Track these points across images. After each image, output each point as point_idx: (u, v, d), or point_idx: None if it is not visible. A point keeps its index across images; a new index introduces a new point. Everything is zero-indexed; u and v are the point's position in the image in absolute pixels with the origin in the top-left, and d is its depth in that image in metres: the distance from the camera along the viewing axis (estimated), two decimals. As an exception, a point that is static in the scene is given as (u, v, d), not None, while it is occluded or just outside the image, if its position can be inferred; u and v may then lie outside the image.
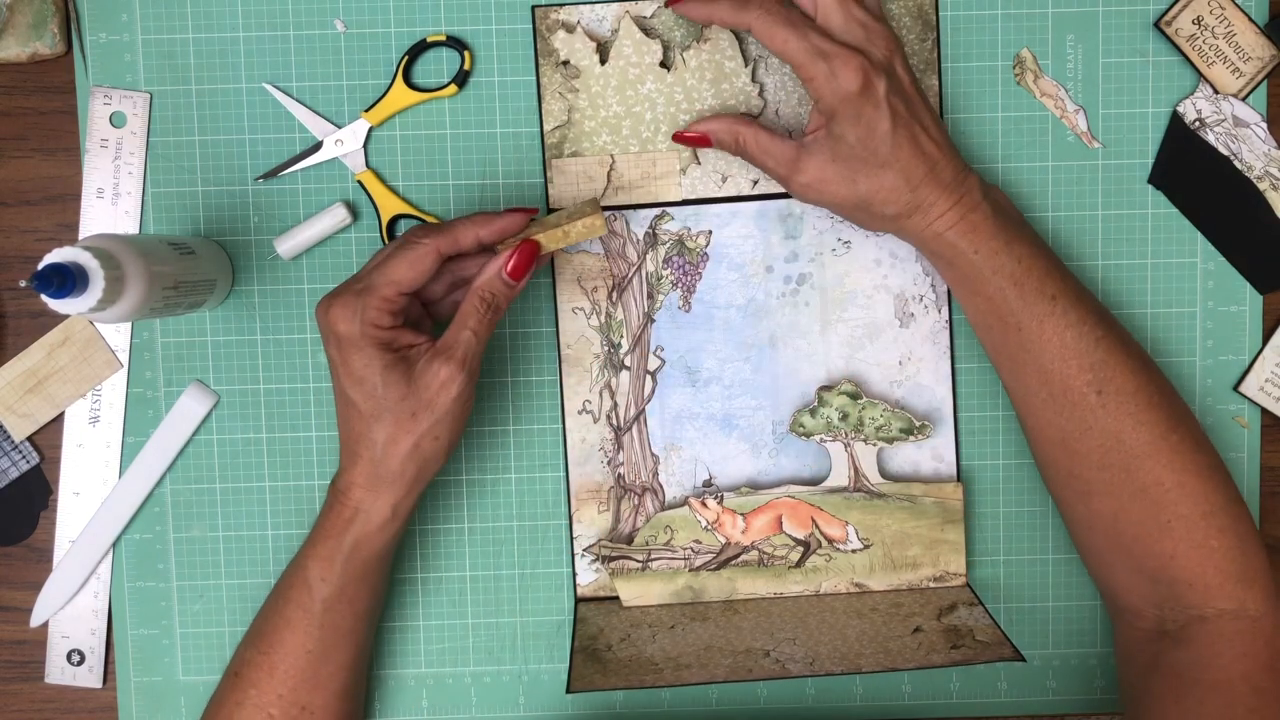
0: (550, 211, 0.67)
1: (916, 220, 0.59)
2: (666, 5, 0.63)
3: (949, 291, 0.67)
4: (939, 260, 0.61)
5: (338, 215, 0.66)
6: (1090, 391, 0.59)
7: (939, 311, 0.67)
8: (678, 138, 0.64)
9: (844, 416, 0.67)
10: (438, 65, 0.67)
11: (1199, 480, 0.59)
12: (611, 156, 0.67)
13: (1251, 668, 0.57)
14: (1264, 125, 0.66)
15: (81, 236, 0.66)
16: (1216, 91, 0.66)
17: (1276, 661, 0.57)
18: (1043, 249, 0.60)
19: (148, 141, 0.66)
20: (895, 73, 0.58)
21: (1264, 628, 0.58)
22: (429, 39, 0.66)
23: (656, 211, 0.67)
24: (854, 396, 0.67)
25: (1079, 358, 0.59)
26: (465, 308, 0.58)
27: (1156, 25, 0.66)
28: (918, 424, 0.67)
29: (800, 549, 0.67)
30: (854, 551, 0.67)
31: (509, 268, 0.59)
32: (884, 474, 0.68)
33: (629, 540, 0.68)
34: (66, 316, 0.67)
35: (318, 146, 0.66)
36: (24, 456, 0.68)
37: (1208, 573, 0.58)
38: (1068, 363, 0.59)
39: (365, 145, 0.66)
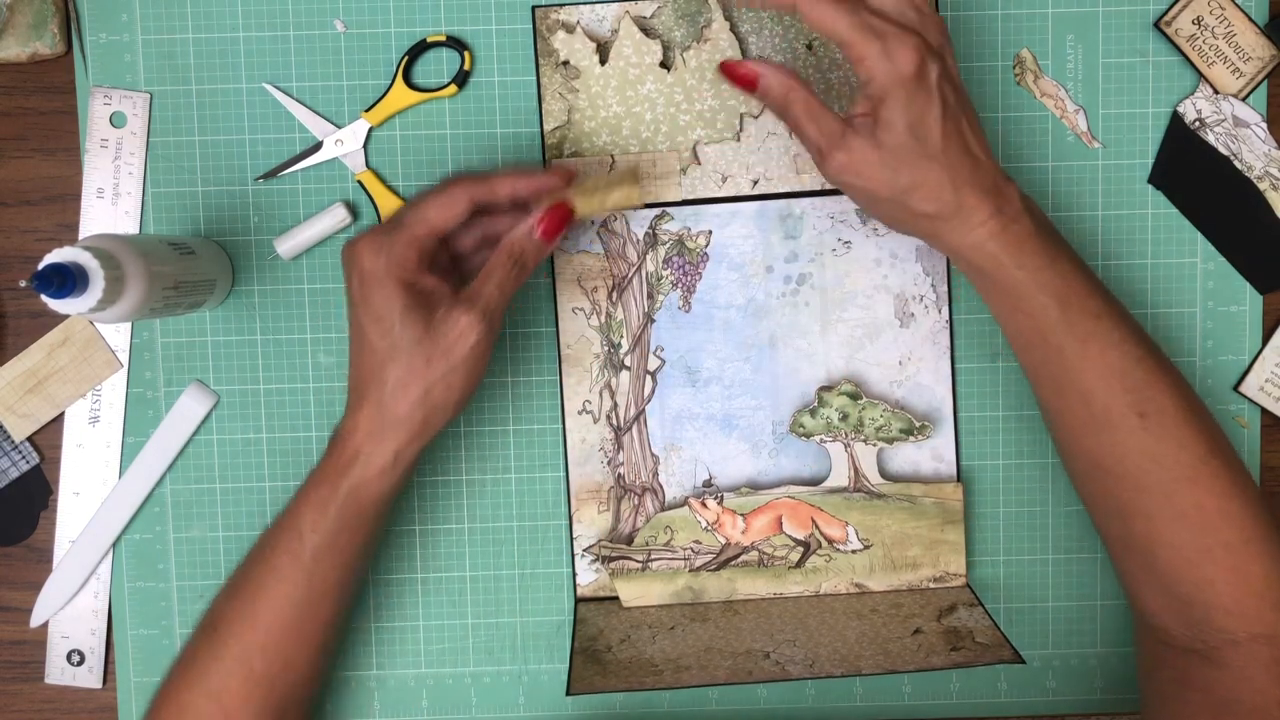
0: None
1: (955, 225, 0.56)
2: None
3: (949, 292, 0.67)
4: (977, 274, 0.58)
5: (338, 215, 0.66)
6: (1132, 413, 0.56)
7: (939, 311, 0.67)
8: (724, 66, 0.59)
9: (844, 417, 0.67)
10: (438, 65, 0.67)
11: (1240, 505, 0.57)
12: (612, 156, 0.67)
13: None
14: (1264, 125, 0.66)
15: (81, 236, 0.66)
16: (1216, 91, 0.66)
17: None
18: (1084, 265, 0.58)
19: (148, 141, 0.66)
20: (947, 61, 0.55)
21: None
22: (429, 39, 0.66)
23: (656, 211, 0.67)
24: (854, 397, 0.67)
25: (1122, 378, 0.56)
26: (493, 261, 0.58)
27: (1156, 25, 0.66)
28: (918, 424, 0.67)
29: (800, 549, 0.67)
30: (854, 552, 0.67)
31: (541, 228, 0.58)
32: (884, 474, 0.68)
33: (629, 540, 0.68)
34: (66, 316, 0.67)
35: (318, 146, 0.66)
36: (24, 456, 0.68)
37: (1246, 599, 0.56)
38: (1110, 383, 0.56)
39: (365, 145, 0.66)
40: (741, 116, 0.66)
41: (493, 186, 0.58)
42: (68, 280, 0.52)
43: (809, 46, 0.66)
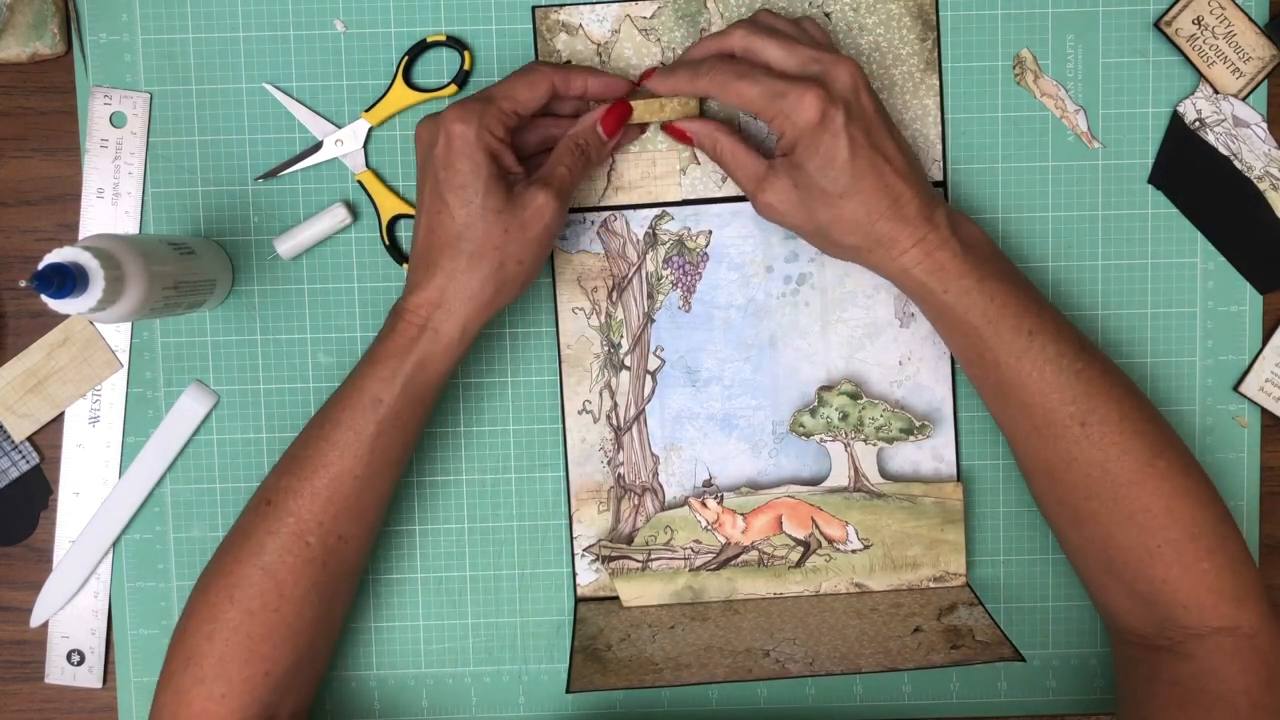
0: None
1: (880, 255, 0.59)
2: (638, 84, 0.65)
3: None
4: (912, 296, 0.61)
5: (338, 215, 0.66)
6: (1074, 424, 0.58)
7: (939, 311, 0.67)
8: (666, 128, 0.65)
9: (844, 416, 0.67)
10: (438, 65, 0.67)
11: (1186, 504, 0.58)
12: (612, 156, 0.67)
13: (1250, 683, 0.57)
14: (1264, 125, 0.66)
15: (81, 236, 0.66)
16: (1216, 91, 0.66)
17: (1274, 678, 0.57)
18: (1017, 284, 0.60)
19: (148, 141, 0.66)
20: (857, 102, 0.57)
21: (1260, 644, 0.58)
22: (429, 39, 0.66)
23: (656, 211, 0.67)
24: (854, 396, 0.67)
25: (1059, 391, 0.58)
26: (560, 149, 0.61)
27: (1156, 25, 0.66)
28: (918, 424, 0.67)
29: (800, 549, 0.67)
30: (854, 551, 0.67)
31: (603, 120, 0.62)
32: (884, 474, 0.68)
33: (629, 540, 0.68)
34: (66, 316, 0.67)
35: (318, 146, 0.66)
36: (24, 456, 0.68)
37: (1200, 594, 0.58)
38: (1049, 397, 0.59)
39: (365, 145, 0.66)
40: (740, 117, 0.66)
41: (569, 76, 0.61)
42: (68, 280, 0.52)
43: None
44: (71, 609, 0.68)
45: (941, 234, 0.58)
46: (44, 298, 0.53)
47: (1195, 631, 0.58)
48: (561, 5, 0.66)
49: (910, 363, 0.68)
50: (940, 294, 0.59)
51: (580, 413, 0.68)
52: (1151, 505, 0.58)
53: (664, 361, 0.68)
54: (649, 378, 0.68)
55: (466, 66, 0.66)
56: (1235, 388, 0.68)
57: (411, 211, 0.66)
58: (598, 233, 0.67)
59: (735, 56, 0.60)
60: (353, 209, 0.67)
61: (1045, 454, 0.60)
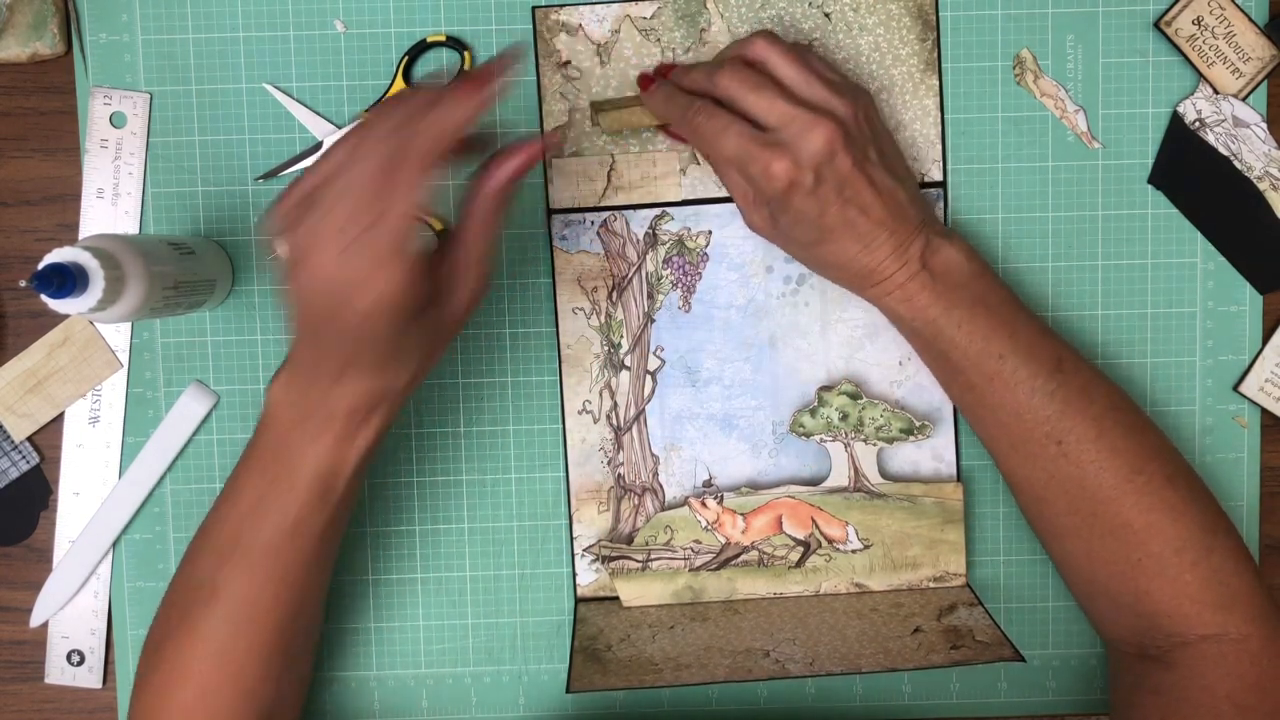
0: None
1: (855, 286, 0.62)
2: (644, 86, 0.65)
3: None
4: (891, 322, 0.63)
5: (338, 215, 0.66)
6: (1049, 443, 0.59)
7: (939, 311, 0.67)
8: (667, 130, 0.65)
9: (844, 417, 0.67)
10: (438, 65, 0.67)
11: (1167, 517, 0.58)
12: (612, 156, 0.67)
13: (1236, 687, 0.57)
14: (1264, 125, 0.66)
15: (81, 236, 0.66)
16: (1216, 91, 0.66)
17: (1263, 680, 0.57)
18: (989, 306, 0.60)
19: (148, 141, 0.66)
20: (829, 164, 0.57)
21: (1249, 648, 0.58)
22: (429, 39, 0.66)
23: (656, 211, 0.67)
24: (854, 397, 0.67)
25: (1033, 412, 0.59)
26: (472, 219, 0.54)
27: (1156, 25, 0.66)
28: (918, 424, 0.67)
29: (800, 549, 0.67)
30: (854, 552, 0.67)
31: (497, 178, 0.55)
32: (884, 474, 0.68)
33: (629, 540, 0.68)
34: (66, 316, 0.67)
35: (318, 146, 0.66)
36: (24, 456, 0.68)
37: (1183, 605, 0.58)
38: (1022, 417, 0.59)
39: (365, 145, 0.66)
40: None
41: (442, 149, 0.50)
42: (68, 280, 0.52)
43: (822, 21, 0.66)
44: (71, 609, 0.68)
45: (910, 268, 0.59)
46: (44, 298, 0.53)
47: (1181, 640, 0.58)
48: (561, 5, 0.66)
49: (910, 363, 0.68)
50: (910, 321, 0.60)
51: (580, 413, 0.68)
52: (1132, 520, 0.58)
53: (664, 361, 0.68)
54: (649, 378, 0.68)
55: (466, 66, 0.66)
56: (1235, 388, 0.68)
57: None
58: (598, 233, 0.67)
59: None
60: (353, 209, 0.67)
61: (1024, 471, 0.61)
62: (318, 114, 0.66)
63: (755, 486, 0.68)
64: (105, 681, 0.69)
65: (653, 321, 0.68)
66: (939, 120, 0.67)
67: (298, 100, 0.66)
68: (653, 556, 0.67)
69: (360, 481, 0.58)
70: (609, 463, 0.68)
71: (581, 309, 0.67)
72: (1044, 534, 0.63)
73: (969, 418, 0.63)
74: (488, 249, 0.55)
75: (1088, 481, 0.59)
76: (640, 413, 0.68)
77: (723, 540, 0.67)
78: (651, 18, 0.66)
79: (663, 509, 0.68)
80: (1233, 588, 0.58)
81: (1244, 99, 0.66)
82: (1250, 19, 0.66)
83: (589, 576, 0.68)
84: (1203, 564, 0.58)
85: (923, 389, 0.68)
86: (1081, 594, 0.63)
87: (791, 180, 0.57)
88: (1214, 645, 0.58)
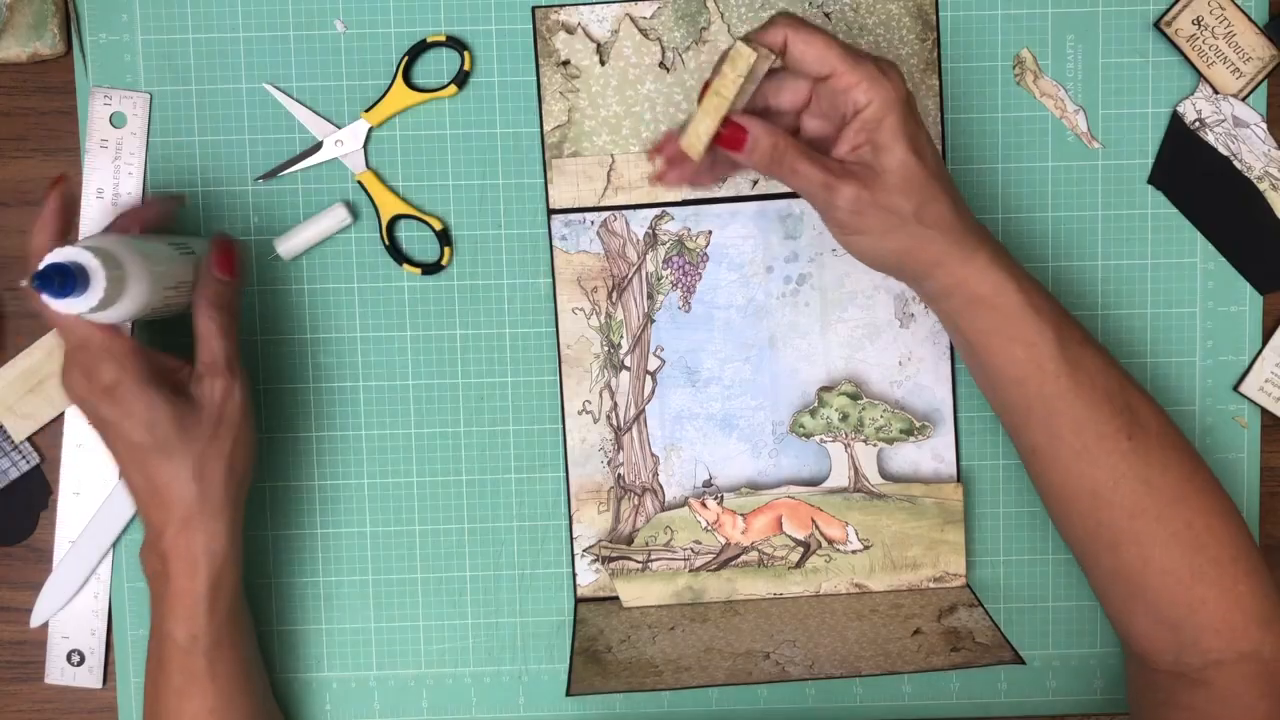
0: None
1: (956, 251, 0.56)
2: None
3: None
4: (977, 306, 0.56)
5: (338, 215, 0.66)
6: (1122, 437, 0.57)
7: (939, 312, 0.67)
8: (719, 140, 0.55)
9: (844, 417, 0.67)
10: (438, 65, 0.67)
11: (1224, 523, 0.57)
12: (611, 156, 0.67)
13: (1271, 709, 0.56)
14: (1264, 125, 0.66)
15: (82, 236, 0.66)
16: (1216, 91, 0.66)
17: None
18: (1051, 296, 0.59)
19: (148, 141, 0.66)
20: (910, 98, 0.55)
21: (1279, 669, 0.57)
22: (429, 39, 0.66)
23: (656, 211, 0.67)
24: (854, 397, 0.67)
25: (1110, 402, 0.57)
26: (202, 324, 0.59)
27: (1156, 25, 0.66)
28: (918, 424, 0.67)
29: (800, 550, 0.67)
30: (854, 552, 0.67)
31: (217, 264, 0.60)
32: (884, 474, 0.68)
33: (629, 541, 0.68)
34: (66, 316, 0.66)
35: (318, 147, 0.66)
36: (24, 456, 0.68)
37: (1234, 616, 0.56)
38: (1101, 409, 0.57)
39: (365, 145, 0.66)
40: (741, 116, 0.66)
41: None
42: (68, 280, 0.52)
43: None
44: (71, 609, 0.68)
45: (982, 234, 0.57)
46: (44, 298, 0.53)
47: (1219, 658, 0.57)
48: (561, 5, 0.66)
49: (910, 363, 0.68)
50: (1014, 291, 0.56)
51: (580, 413, 0.68)
52: (1194, 522, 0.57)
53: (664, 362, 0.68)
54: (649, 378, 0.68)
55: (466, 67, 0.66)
56: (1235, 388, 0.68)
57: (413, 211, 0.66)
58: (598, 233, 0.67)
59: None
60: (353, 209, 0.67)
61: (1091, 473, 0.57)
62: (318, 114, 0.66)
63: (755, 487, 0.68)
64: (105, 681, 0.68)
65: (653, 322, 0.68)
66: (939, 120, 0.67)
67: (298, 100, 0.66)
68: (653, 557, 0.67)
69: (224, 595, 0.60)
70: (609, 463, 0.68)
71: (581, 309, 0.67)
72: (1096, 545, 0.59)
73: (1034, 424, 0.58)
74: (226, 353, 0.58)
75: (1154, 480, 0.57)
76: (640, 413, 0.68)
77: (723, 541, 0.67)
78: (651, 17, 0.66)
79: (663, 509, 0.68)
80: (1272, 603, 0.57)
81: (1244, 99, 0.66)
82: (1250, 19, 0.66)
83: (589, 577, 0.68)
84: (1255, 575, 0.57)
85: (923, 389, 0.68)
86: (1122, 609, 0.60)
87: (907, 88, 0.54)
88: (1249, 665, 0.56)
